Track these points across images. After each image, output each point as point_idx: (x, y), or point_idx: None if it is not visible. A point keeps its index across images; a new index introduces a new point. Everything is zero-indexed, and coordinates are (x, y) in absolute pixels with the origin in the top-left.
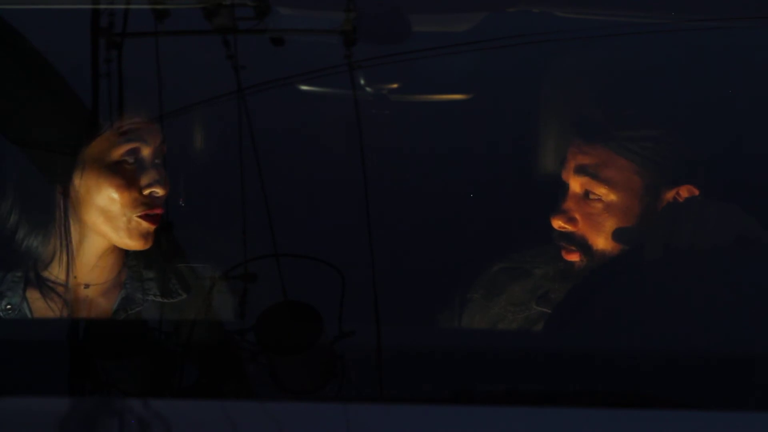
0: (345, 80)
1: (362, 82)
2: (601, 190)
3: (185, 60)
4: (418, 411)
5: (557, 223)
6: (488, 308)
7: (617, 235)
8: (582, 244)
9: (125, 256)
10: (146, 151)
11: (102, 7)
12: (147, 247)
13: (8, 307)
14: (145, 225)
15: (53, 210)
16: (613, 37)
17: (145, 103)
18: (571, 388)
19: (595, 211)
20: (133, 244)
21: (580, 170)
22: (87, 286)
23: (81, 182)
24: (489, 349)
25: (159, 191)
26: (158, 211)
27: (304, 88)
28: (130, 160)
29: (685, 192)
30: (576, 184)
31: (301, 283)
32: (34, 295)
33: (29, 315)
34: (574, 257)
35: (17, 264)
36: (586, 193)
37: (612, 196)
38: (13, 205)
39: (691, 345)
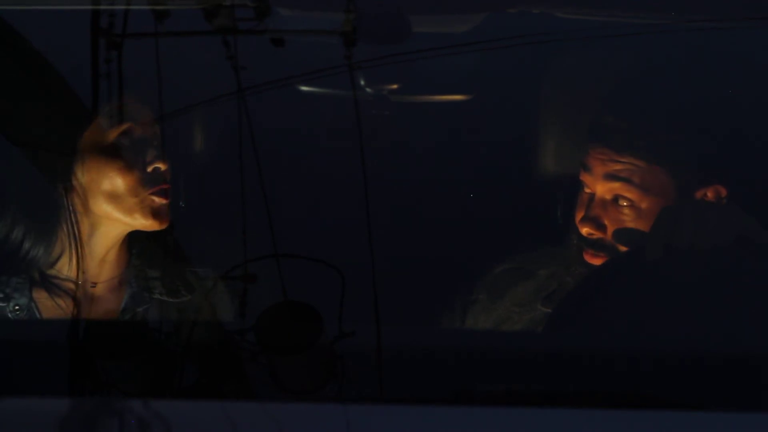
0: (345, 81)
1: (362, 82)
2: (634, 196)
3: (185, 60)
4: (418, 411)
5: (586, 230)
6: (493, 309)
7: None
8: (611, 250)
9: (129, 254)
10: (140, 130)
11: (102, 7)
12: (164, 226)
13: (16, 308)
14: (158, 200)
15: (59, 211)
16: (613, 37)
17: (132, 86)
18: (571, 388)
19: (626, 217)
20: (150, 223)
21: (612, 177)
22: (94, 284)
23: (83, 174)
24: (489, 350)
25: (162, 166)
26: (166, 186)
27: (304, 88)
28: (126, 141)
29: (712, 192)
30: (605, 190)
31: (301, 283)
32: (41, 295)
33: (38, 314)
34: (600, 261)
35: (23, 269)
36: (616, 199)
37: (644, 202)
38: (16, 214)
39: (691, 345)
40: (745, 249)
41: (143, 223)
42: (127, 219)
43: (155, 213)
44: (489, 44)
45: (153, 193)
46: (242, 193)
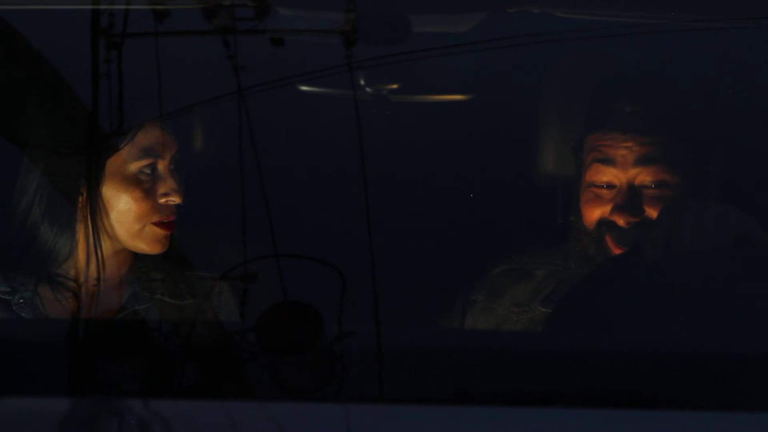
0: (345, 81)
1: (362, 82)
2: (666, 175)
3: (185, 60)
4: (418, 411)
5: (624, 219)
6: (492, 310)
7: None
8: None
9: (134, 255)
10: (162, 164)
11: (102, 7)
12: (162, 251)
13: (21, 300)
14: (160, 231)
15: (75, 213)
16: (613, 37)
17: (164, 114)
18: (571, 388)
19: (661, 194)
20: (149, 248)
21: (644, 161)
22: (97, 282)
23: (100, 190)
24: (489, 350)
25: (175, 200)
26: (173, 218)
27: (304, 88)
28: (147, 171)
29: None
30: (636, 175)
31: (301, 283)
32: (45, 290)
33: (42, 308)
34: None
35: (36, 264)
36: (649, 180)
37: (674, 178)
38: (34, 202)
39: (691, 345)
40: (744, 249)
41: (142, 248)
42: (127, 241)
43: (155, 241)
44: (489, 44)
45: (158, 223)
46: (242, 193)
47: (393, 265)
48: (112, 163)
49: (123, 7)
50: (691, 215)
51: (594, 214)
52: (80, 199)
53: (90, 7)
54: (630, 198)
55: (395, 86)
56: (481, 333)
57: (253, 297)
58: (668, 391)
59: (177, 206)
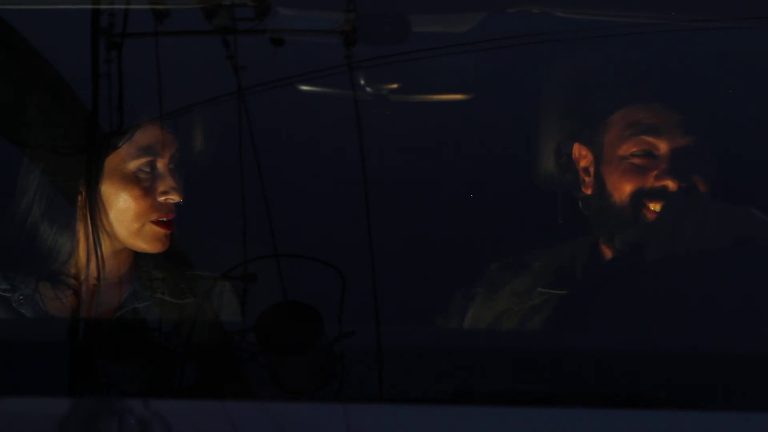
0: (345, 81)
1: (362, 82)
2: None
3: (185, 60)
4: (418, 411)
5: (676, 185)
6: (493, 302)
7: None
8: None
9: (135, 254)
10: (161, 162)
11: (102, 7)
12: (163, 250)
13: (21, 297)
14: (160, 230)
15: (75, 211)
16: (613, 37)
17: (164, 114)
18: (571, 388)
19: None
20: (149, 247)
21: (686, 127)
22: (97, 281)
23: (99, 189)
24: (489, 350)
25: (174, 198)
26: (172, 217)
27: (304, 88)
28: (146, 169)
29: None
30: (679, 142)
31: (301, 283)
32: (45, 288)
33: (41, 305)
34: None
35: (33, 261)
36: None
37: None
38: (34, 202)
39: (691, 345)
40: (745, 249)
41: (142, 246)
42: (127, 240)
43: (155, 240)
44: (489, 44)
45: (157, 221)
46: (242, 193)
47: (393, 265)
48: (111, 161)
49: (123, 7)
50: (693, 215)
51: (631, 185)
52: (80, 198)
53: (90, 7)
54: (678, 163)
55: (395, 86)
56: (481, 333)
57: (253, 297)
58: (668, 391)
59: (177, 205)
